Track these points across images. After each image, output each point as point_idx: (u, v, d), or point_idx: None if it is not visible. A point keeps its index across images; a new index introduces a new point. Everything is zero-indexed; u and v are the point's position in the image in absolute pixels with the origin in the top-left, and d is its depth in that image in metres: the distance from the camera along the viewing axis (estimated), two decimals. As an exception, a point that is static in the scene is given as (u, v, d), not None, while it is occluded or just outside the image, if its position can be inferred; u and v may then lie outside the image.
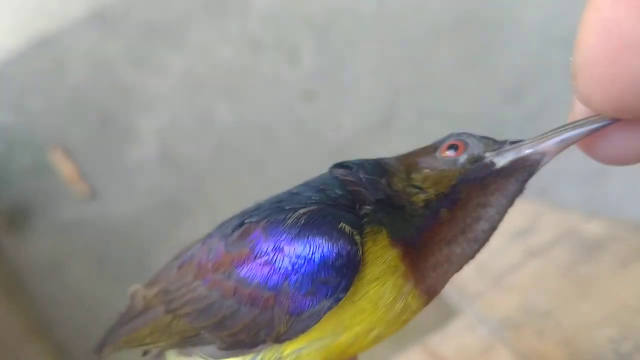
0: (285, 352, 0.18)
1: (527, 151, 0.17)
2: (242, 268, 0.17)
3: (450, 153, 0.18)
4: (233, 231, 0.18)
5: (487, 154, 0.18)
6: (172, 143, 0.81)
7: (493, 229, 0.18)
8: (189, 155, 0.81)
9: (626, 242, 0.33)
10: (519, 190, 0.18)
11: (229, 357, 0.19)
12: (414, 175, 0.19)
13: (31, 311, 0.82)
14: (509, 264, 0.36)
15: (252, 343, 0.18)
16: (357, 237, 0.17)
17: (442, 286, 0.19)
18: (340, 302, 0.17)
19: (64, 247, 0.83)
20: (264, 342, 0.18)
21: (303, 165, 0.78)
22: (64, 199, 0.83)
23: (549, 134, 0.16)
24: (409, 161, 0.19)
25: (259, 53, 0.86)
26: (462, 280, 0.39)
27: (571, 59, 0.14)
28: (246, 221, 0.18)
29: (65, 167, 0.81)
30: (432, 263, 0.18)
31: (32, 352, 0.78)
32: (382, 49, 0.87)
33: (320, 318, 0.17)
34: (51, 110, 0.80)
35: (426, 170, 0.19)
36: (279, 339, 0.17)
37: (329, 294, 0.16)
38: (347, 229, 0.17)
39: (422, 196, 0.18)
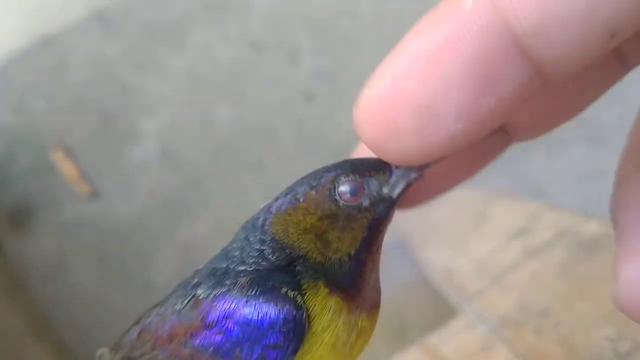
0: None
1: (414, 175, 0.18)
2: (197, 338, 0.18)
3: (350, 197, 0.19)
4: (184, 307, 0.19)
5: (384, 190, 0.19)
6: (173, 143, 0.82)
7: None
8: (190, 155, 0.81)
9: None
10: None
11: None
12: (332, 244, 0.19)
13: (32, 310, 0.83)
14: (508, 263, 0.36)
15: None
16: (300, 299, 0.18)
17: (379, 293, 0.20)
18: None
19: (65, 246, 0.83)
20: None
21: (303, 165, 0.78)
22: (65, 198, 0.83)
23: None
24: (311, 223, 0.19)
25: (259, 53, 0.86)
26: (461, 280, 0.39)
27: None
28: (195, 295, 0.19)
29: (66, 167, 0.82)
30: (367, 288, 0.19)
31: (32, 351, 0.79)
32: (382, 49, 0.87)
33: None
34: (52, 111, 0.81)
35: (337, 235, 0.19)
36: None
37: (279, 358, 0.17)
38: (290, 292, 0.18)
39: (344, 257, 0.19)
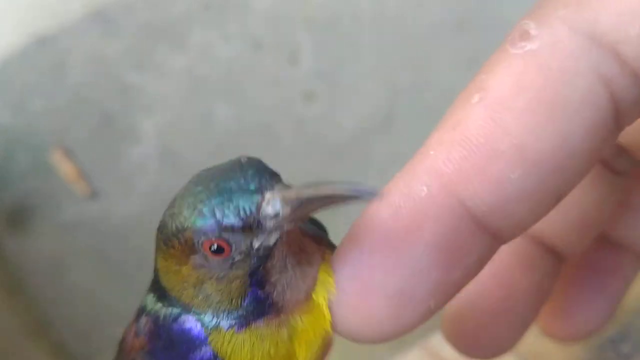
0: None
1: (288, 226, 0.17)
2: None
3: (219, 255, 0.17)
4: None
5: (256, 244, 0.17)
6: (173, 143, 0.82)
7: None
8: (190, 155, 0.81)
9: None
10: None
11: None
12: (212, 296, 0.18)
13: (31, 311, 0.82)
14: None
15: None
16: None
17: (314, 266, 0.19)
18: None
19: (64, 247, 0.83)
20: None
21: (303, 165, 0.78)
22: (64, 198, 0.83)
23: (305, 189, 0.16)
24: (189, 274, 0.18)
25: (259, 53, 0.86)
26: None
27: None
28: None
29: (65, 167, 0.81)
30: (287, 294, 0.18)
31: (31, 351, 0.78)
32: (382, 49, 0.87)
33: None
34: (51, 111, 0.81)
35: (216, 286, 0.17)
36: None
37: None
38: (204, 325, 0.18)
39: (231, 308, 0.18)
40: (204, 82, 0.84)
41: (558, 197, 0.15)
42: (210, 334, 0.18)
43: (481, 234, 0.15)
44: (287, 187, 0.17)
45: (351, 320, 0.16)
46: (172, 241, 0.17)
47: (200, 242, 0.17)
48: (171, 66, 0.83)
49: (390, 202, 0.15)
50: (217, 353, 0.17)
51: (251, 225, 0.16)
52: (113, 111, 0.82)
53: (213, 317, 0.17)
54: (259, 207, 0.16)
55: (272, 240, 0.16)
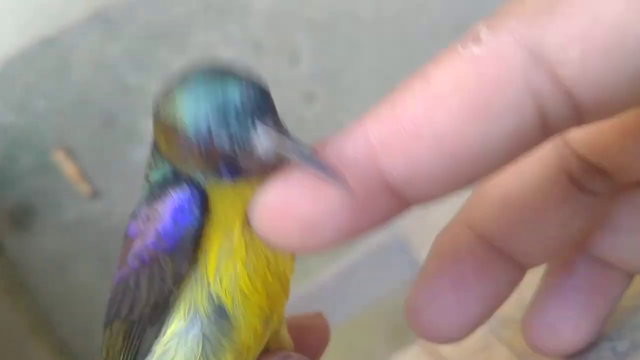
0: (210, 278, 0.20)
1: (269, 152, 0.18)
2: (129, 252, 0.20)
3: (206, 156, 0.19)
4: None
5: (239, 161, 0.19)
6: (174, 143, 0.82)
7: None
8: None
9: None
10: None
11: (168, 324, 0.20)
12: (183, 162, 0.20)
13: (34, 309, 0.83)
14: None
15: (164, 300, 0.20)
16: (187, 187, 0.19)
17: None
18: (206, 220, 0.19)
19: (66, 246, 0.84)
20: (171, 291, 0.20)
21: (304, 165, 0.78)
22: (67, 198, 0.83)
23: (290, 143, 0.18)
24: (169, 145, 0.20)
25: (260, 54, 0.86)
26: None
27: None
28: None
29: (68, 167, 0.82)
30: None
31: (33, 350, 0.79)
32: (382, 49, 0.87)
33: (193, 236, 0.19)
34: (54, 111, 0.81)
35: (188, 158, 0.19)
36: (176, 279, 0.20)
37: (189, 219, 0.19)
38: (187, 183, 0.19)
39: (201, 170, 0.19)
40: (205, 83, 0.85)
41: (467, 184, 0.17)
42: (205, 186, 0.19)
43: (390, 197, 0.17)
44: (279, 125, 0.18)
45: (267, 226, 0.18)
46: (166, 124, 0.18)
47: (189, 145, 0.18)
48: (172, 67, 0.84)
49: (325, 154, 0.17)
50: (204, 195, 0.19)
51: (240, 151, 0.18)
52: (115, 112, 0.83)
53: (202, 173, 0.19)
54: (249, 142, 0.17)
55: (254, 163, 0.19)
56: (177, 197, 0.19)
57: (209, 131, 0.17)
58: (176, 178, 0.20)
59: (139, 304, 0.20)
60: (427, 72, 0.17)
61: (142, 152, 0.87)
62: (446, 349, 0.32)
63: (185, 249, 0.19)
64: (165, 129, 0.18)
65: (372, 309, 0.80)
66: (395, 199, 0.17)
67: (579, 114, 0.16)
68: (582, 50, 0.15)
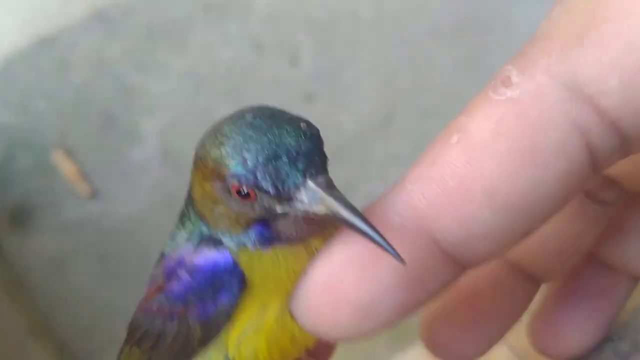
0: (229, 345, 0.19)
1: (317, 209, 0.16)
2: (161, 291, 0.20)
3: (243, 197, 0.17)
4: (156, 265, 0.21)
5: (279, 209, 0.17)
6: (174, 143, 0.82)
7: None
8: (191, 155, 0.81)
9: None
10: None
11: None
12: (218, 217, 0.19)
13: (33, 310, 0.83)
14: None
15: (187, 355, 0.20)
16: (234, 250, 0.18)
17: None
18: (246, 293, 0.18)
19: (66, 246, 0.83)
20: (194, 350, 0.20)
21: (303, 165, 0.78)
22: (66, 198, 0.83)
23: (340, 202, 0.16)
24: (204, 188, 0.19)
25: (260, 54, 0.86)
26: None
27: None
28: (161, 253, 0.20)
29: (67, 167, 0.82)
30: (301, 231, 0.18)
31: (33, 350, 0.79)
32: (382, 49, 0.87)
33: (228, 313, 0.18)
34: (53, 111, 0.81)
35: (223, 211, 0.18)
36: (202, 343, 0.19)
37: (226, 294, 0.18)
38: (228, 246, 0.18)
39: (233, 232, 0.19)
40: (205, 83, 0.85)
41: (525, 235, 0.16)
42: (237, 254, 0.18)
43: (445, 263, 0.15)
44: (330, 182, 0.17)
45: (318, 320, 0.16)
46: (206, 162, 0.17)
47: (230, 182, 0.17)
48: (172, 67, 0.84)
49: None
50: (242, 269, 0.18)
51: (281, 198, 0.16)
52: (114, 112, 0.83)
53: (233, 237, 0.18)
54: (297, 189, 0.16)
55: (292, 214, 0.17)
56: (221, 269, 0.18)
57: (255, 170, 0.16)
58: (212, 241, 0.19)
59: (162, 347, 0.20)
60: (461, 122, 0.15)
61: (142, 153, 0.87)
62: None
63: (219, 322, 0.19)
64: (207, 170, 0.17)
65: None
66: (450, 265, 0.15)
67: (627, 144, 0.15)
68: (621, 76, 0.14)
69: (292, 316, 0.17)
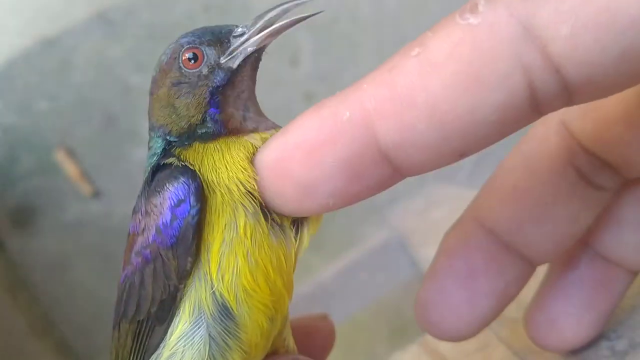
0: (212, 275, 0.20)
1: (251, 49, 0.21)
2: (132, 249, 0.21)
3: (192, 64, 0.21)
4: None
5: (222, 60, 0.21)
6: (175, 143, 0.82)
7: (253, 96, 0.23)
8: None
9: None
10: (255, 68, 0.23)
11: (174, 325, 0.21)
12: (181, 112, 0.21)
13: (35, 309, 0.83)
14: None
15: (171, 298, 0.20)
16: (177, 161, 0.20)
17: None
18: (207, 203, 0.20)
19: (67, 246, 0.84)
20: (177, 288, 0.20)
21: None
22: (68, 198, 0.83)
23: (261, 23, 0.21)
24: (163, 95, 0.22)
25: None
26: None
27: None
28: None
29: (69, 168, 0.82)
30: (247, 123, 0.22)
31: (34, 349, 0.79)
32: (381, 49, 0.88)
33: (195, 229, 0.19)
34: (55, 111, 0.81)
35: (183, 102, 0.21)
36: (180, 275, 0.20)
37: (187, 210, 0.19)
38: (176, 166, 0.20)
39: (194, 121, 0.21)
40: (206, 83, 0.85)
41: (457, 156, 0.17)
42: (185, 154, 0.21)
43: (382, 163, 0.17)
44: (255, 22, 0.22)
45: (267, 187, 0.19)
46: (160, 66, 0.22)
47: (181, 52, 0.21)
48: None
49: (319, 115, 0.17)
50: (193, 165, 0.20)
51: (221, 40, 0.21)
52: (116, 112, 0.83)
53: (189, 135, 0.21)
54: (230, 31, 0.21)
55: (236, 62, 0.21)
56: (174, 190, 0.20)
57: (198, 34, 0.21)
58: (166, 155, 0.21)
59: (146, 302, 0.20)
60: (425, 39, 0.17)
61: (143, 152, 0.87)
62: (446, 348, 0.32)
63: (188, 241, 0.19)
64: (160, 77, 0.22)
65: (372, 308, 0.80)
66: (387, 167, 0.17)
67: (569, 92, 0.16)
68: (572, 27, 0.14)
69: (262, 230, 0.19)
